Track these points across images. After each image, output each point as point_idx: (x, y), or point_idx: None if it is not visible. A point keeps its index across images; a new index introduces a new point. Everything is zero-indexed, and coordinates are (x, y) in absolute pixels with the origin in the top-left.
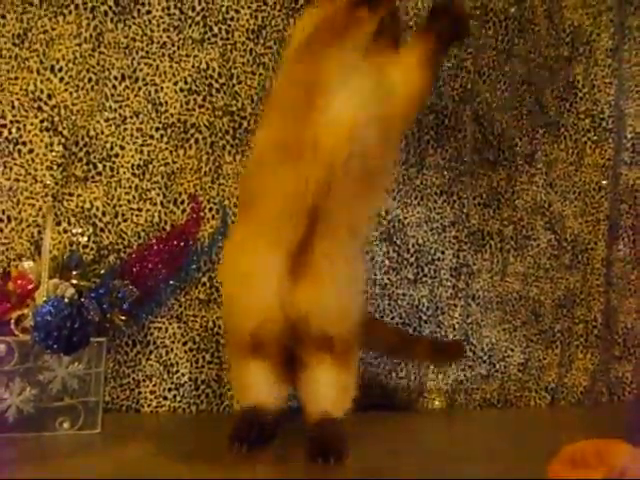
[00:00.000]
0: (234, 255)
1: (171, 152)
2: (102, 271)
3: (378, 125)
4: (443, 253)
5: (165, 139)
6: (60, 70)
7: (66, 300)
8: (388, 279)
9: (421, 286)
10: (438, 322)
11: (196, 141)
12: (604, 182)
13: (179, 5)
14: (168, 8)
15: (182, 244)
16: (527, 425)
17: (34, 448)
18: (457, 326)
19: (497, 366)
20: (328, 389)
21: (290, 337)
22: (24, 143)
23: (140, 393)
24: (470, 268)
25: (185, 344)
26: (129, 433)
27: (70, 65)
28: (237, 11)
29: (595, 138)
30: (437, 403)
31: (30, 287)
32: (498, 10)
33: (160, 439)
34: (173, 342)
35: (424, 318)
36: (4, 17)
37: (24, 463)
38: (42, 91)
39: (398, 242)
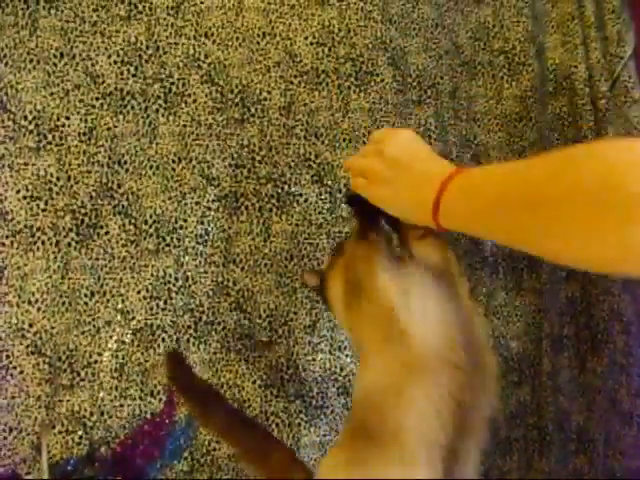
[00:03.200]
0: None
1: (142, 353)
2: (95, 472)
3: None
4: None
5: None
6: (36, 302)
7: None
8: None
9: None
10: None
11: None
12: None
13: (133, 221)
14: (124, 225)
15: (163, 429)
16: None
17: None
18: None
19: None
20: None
21: None
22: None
23: None
24: None
25: None
26: None
27: (44, 296)
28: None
29: (510, 72)
30: None
31: None
32: None
33: None
34: None
35: None
36: None
37: None
38: (24, 322)
39: None
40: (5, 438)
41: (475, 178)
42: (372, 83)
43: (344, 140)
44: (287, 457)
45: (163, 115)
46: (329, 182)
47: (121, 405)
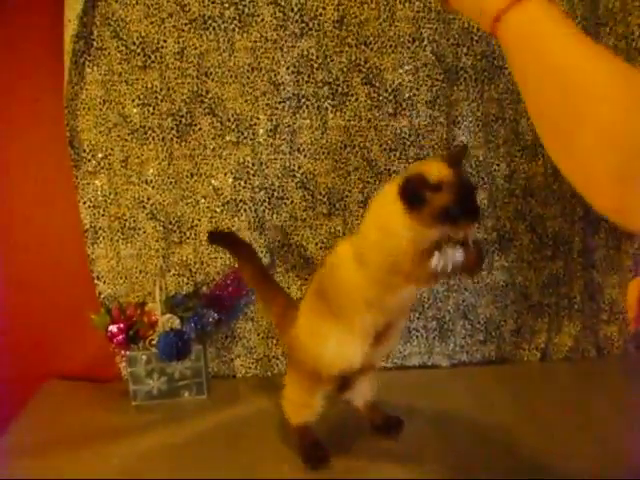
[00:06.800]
0: (323, 336)
1: (229, 220)
2: (195, 304)
3: None
4: None
5: (225, 212)
6: (151, 182)
7: (174, 329)
8: None
9: None
10: (438, 307)
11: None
12: None
13: (219, 120)
14: (212, 122)
15: None
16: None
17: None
18: (452, 310)
19: (493, 333)
20: (372, 386)
21: (355, 374)
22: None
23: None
24: None
25: (258, 334)
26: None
27: (157, 177)
28: None
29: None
30: (444, 364)
31: (154, 319)
32: None
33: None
34: (250, 333)
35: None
36: None
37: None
38: (143, 196)
39: None
40: (137, 277)
41: (535, 15)
42: None
43: (390, 46)
44: (286, 300)
45: (238, 33)
46: (377, 84)
47: (216, 258)
